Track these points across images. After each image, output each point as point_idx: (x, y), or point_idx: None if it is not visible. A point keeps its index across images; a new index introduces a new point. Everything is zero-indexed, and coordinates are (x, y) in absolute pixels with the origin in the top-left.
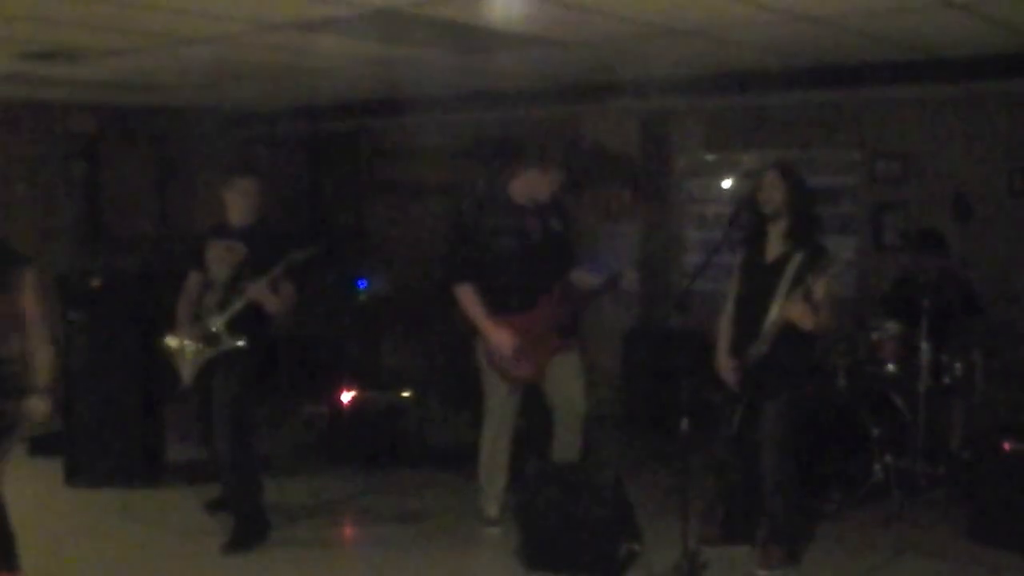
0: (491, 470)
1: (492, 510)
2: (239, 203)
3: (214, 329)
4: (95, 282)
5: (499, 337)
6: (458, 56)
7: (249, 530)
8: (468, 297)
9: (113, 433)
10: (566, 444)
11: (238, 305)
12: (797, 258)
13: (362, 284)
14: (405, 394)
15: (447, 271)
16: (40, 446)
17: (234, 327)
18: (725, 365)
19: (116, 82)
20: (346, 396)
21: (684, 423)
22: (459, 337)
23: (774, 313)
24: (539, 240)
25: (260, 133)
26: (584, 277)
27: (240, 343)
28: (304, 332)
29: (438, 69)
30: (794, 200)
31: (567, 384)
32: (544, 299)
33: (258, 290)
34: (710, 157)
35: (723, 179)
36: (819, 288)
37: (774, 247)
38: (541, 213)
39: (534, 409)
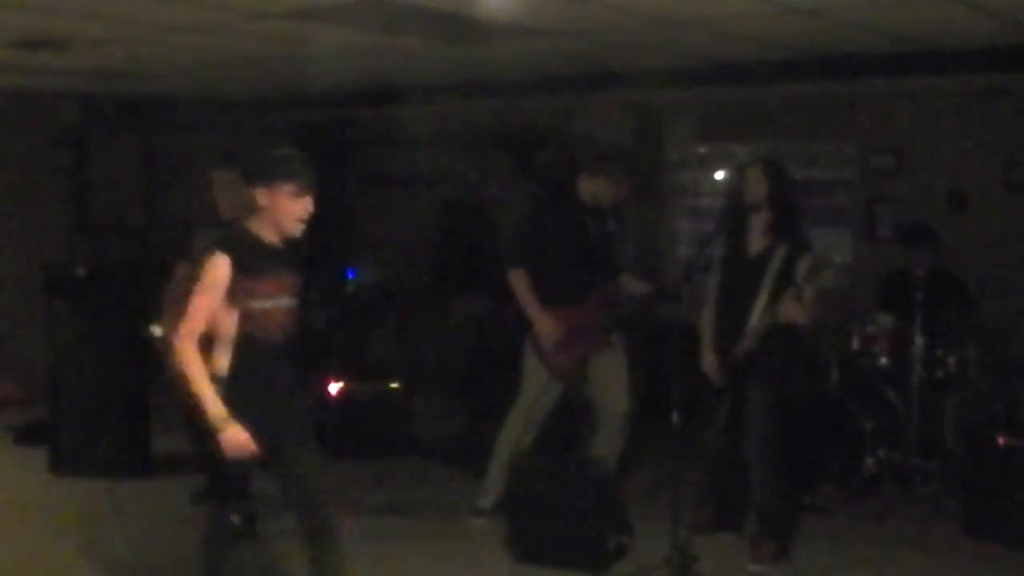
0: (503, 463)
1: (485, 502)
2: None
3: None
4: (81, 272)
5: (545, 324)
6: (449, 47)
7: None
8: (521, 283)
9: (99, 423)
10: (606, 441)
11: None
12: (780, 252)
13: (350, 274)
14: (393, 385)
15: (506, 255)
16: (25, 435)
17: None
18: (711, 362)
19: (103, 71)
20: (333, 387)
21: (675, 416)
22: (452, 328)
23: (760, 309)
24: (595, 240)
25: (248, 123)
26: (632, 282)
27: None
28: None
29: (428, 60)
30: (777, 194)
31: (609, 382)
32: (592, 297)
33: None
34: (703, 149)
35: (716, 171)
36: (810, 290)
37: (757, 241)
38: (601, 216)
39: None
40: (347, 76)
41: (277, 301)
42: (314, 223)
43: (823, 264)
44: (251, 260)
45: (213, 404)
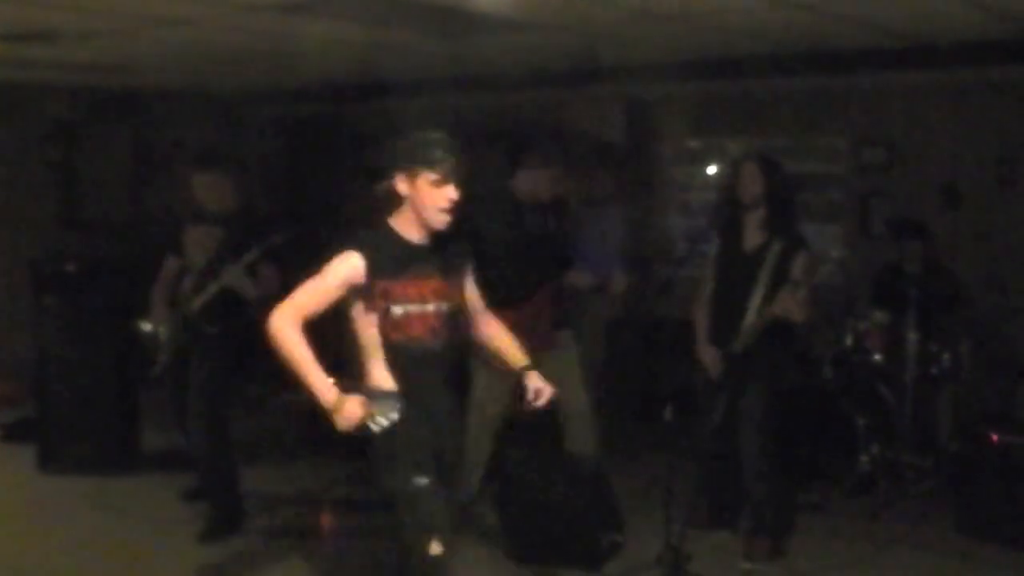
0: (471, 459)
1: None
2: (205, 195)
3: (188, 315)
4: (70, 267)
5: None
6: (441, 41)
7: (225, 519)
8: None
9: (87, 420)
10: (576, 438)
11: (212, 290)
12: (776, 248)
13: None
14: None
15: None
16: (13, 432)
17: (209, 313)
18: (706, 356)
19: (93, 65)
20: None
21: (668, 412)
22: None
23: (755, 305)
24: (536, 238)
25: (239, 117)
26: (578, 276)
27: (212, 330)
28: None
29: (421, 54)
30: (772, 191)
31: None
32: (537, 295)
33: (233, 275)
34: (695, 144)
35: (708, 166)
36: (805, 287)
37: (752, 237)
38: (542, 211)
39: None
40: (338, 70)
41: (422, 306)
42: (305, 217)
43: (820, 260)
44: (389, 261)
45: (317, 379)
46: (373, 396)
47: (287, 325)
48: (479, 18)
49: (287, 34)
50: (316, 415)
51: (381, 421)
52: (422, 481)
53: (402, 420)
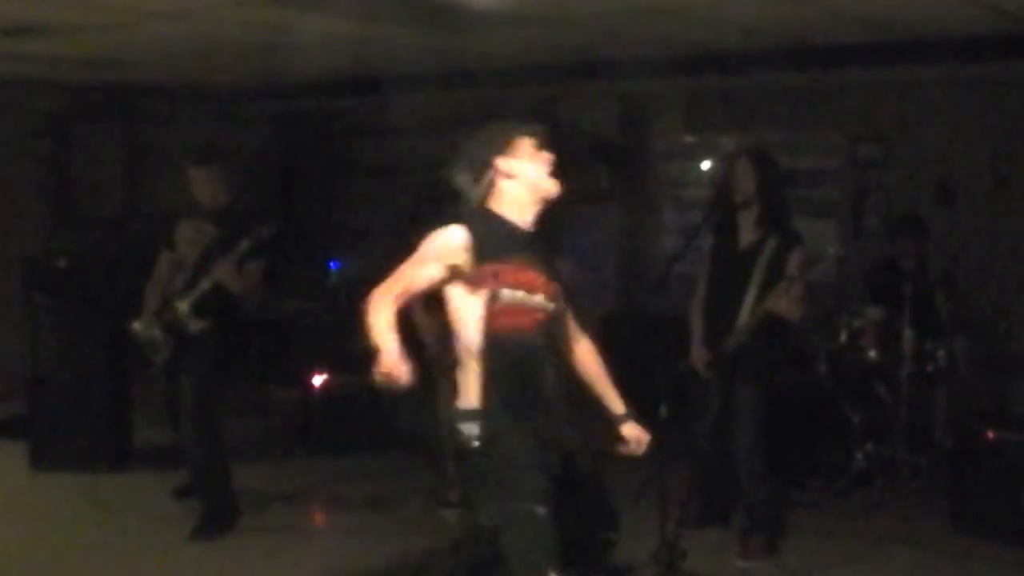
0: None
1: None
2: (200, 191)
3: (180, 311)
4: (62, 263)
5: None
6: (435, 35)
7: (218, 517)
8: None
9: (80, 417)
10: None
11: (204, 286)
12: (771, 244)
13: (334, 266)
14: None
15: None
16: (5, 429)
17: (200, 309)
18: (700, 355)
19: (85, 59)
20: (317, 380)
21: (662, 409)
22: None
23: (750, 302)
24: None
25: (232, 112)
26: None
27: (202, 326)
28: (275, 315)
29: (412, 48)
30: (766, 187)
31: None
32: None
33: (225, 270)
34: (689, 139)
35: (702, 162)
36: (800, 285)
37: (746, 233)
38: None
39: None
40: (330, 64)
41: (531, 295)
42: (297, 213)
43: (817, 257)
44: (498, 239)
45: (384, 340)
46: (461, 416)
47: (380, 301)
48: (472, 13)
49: (280, 29)
50: (308, 412)
51: (471, 442)
52: (540, 510)
53: (504, 437)
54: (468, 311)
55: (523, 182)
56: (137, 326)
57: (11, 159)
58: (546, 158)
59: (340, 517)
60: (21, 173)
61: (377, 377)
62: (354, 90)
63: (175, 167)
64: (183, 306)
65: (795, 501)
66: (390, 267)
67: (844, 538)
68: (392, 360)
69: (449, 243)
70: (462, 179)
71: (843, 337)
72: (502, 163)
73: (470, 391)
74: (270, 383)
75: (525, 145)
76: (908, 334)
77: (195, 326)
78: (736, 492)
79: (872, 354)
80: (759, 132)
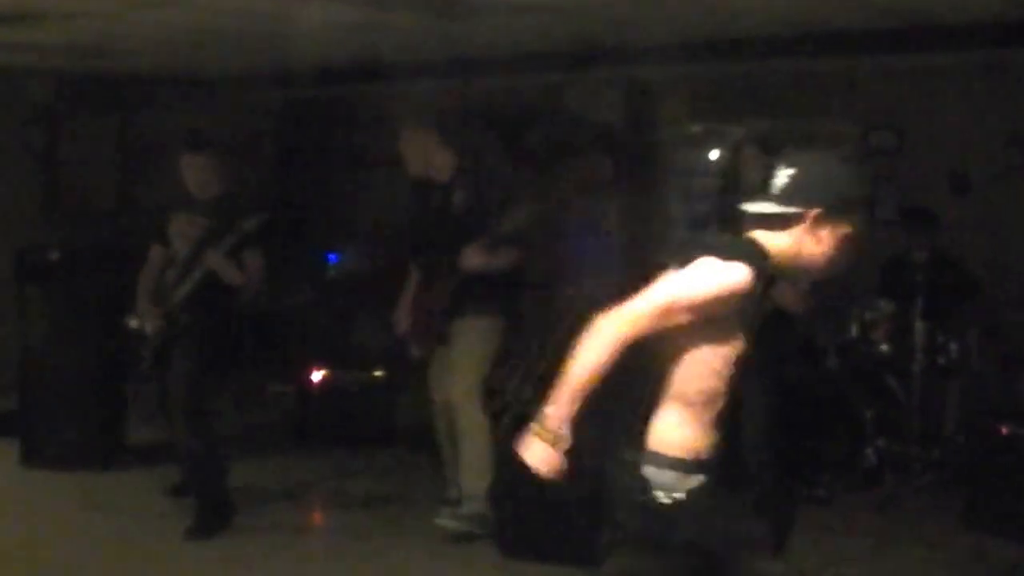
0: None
1: (453, 492)
2: (194, 178)
3: (171, 306)
4: (53, 256)
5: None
6: (437, 23)
7: (213, 515)
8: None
9: (71, 413)
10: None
11: (196, 277)
12: None
13: (333, 258)
14: (377, 373)
15: None
16: None
17: (193, 302)
18: None
19: (76, 47)
20: (315, 375)
21: None
22: None
23: None
24: (430, 216)
25: (228, 101)
26: (472, 255)
27: (194, 320)
28: (271, 307)
29: (416, 36)
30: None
31: (442, 375)
32: (432, 280)
33: (215, 260)
34: (697, 128)
35: (710, 151)
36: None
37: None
38: (444, 189)
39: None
40: (333, 53)
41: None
42: (294, 204)
43: None
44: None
45: (564, 397)
46: (661, 463)
47: (608, 333)
48: (476, 0)
49: (279, 16)
50: (305, 407)
51: (667, 496)
52: (776, 569)
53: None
54: (705, 364)
55: (816, 256)
56: (131, 321)
57: (2, 150)
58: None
59: (338, 513)
60: (12, 164)
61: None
62: (356, 78)
63: (169, 159)
64: (176, 299)
65: (805, 496)
66: (389, 260)
67: (855, 533)
68: (549, 458)
69: (732, 288)
70: (780, 203)
71: (854, 330)
72: (829, 220)
73: (680, 438)
74: (267, 377)
75: (845, 226)
76: (920, 327)
77: (187, 319)
78: (746, 488)
79: (884, 347)
80: (769, 121)
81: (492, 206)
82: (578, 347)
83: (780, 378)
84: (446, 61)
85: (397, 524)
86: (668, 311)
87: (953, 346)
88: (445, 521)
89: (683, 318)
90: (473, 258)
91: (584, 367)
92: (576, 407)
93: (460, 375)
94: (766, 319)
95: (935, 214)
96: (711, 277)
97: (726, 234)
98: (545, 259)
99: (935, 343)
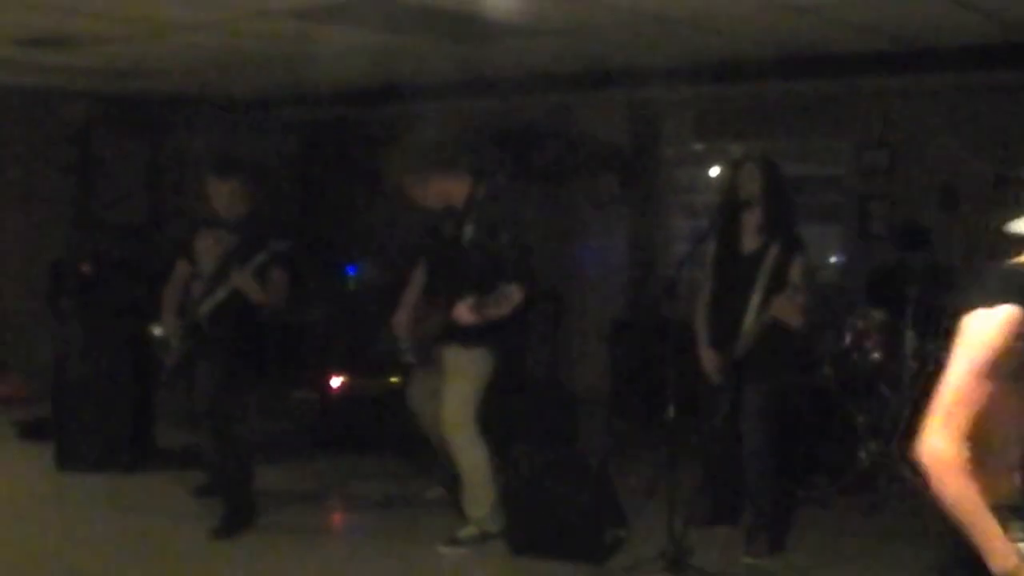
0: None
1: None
2: (221, 201)
3: (196, 320)
4: (85, 269)
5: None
6: (453, 46)
7: (237, 515)
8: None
9: (103, 418)
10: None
11: (221, 294)
12: (774, 251)
13: (352, 270)
14: (395, 380)
15: None
16: (30, 431)
17: (218, 317)
18: (710, 359)
19: (109, 70)
20: (336, 382)
21: (670, 410)
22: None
23: (754, 308)
24: (444, 247)
25: (254, 121)
26: (460, 311)
27: (218, 334)
28: (294, 318)
29: (432, 58)
30: (770, 192)
31: (425, 403)
32: (430, 304)
33: (241, 279)
34: (699, 146)
35: (712, 169)
36: (802, 293)
37: (750, 239)
38: (457, 219)
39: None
40: (351, 75)
41: None
42: (317, 219)
43: (817, 267)
44: None
45: (990, 538)
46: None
47: (944, 463)
48: (490, 24)
49: (301, 40)
50: (326, 414)
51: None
52: None
53: None
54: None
55: None
56: (155, 330)
57: (37, 167)
58: None
59: (358, 517)
60: (47, 181)
61: None
62: (375, 99)
63: (197, 176)
64: (201, 313)
65: (801, 499)
66: (407, 272)
67: (849, 535)
68: None
69: (1004, 332)
70: None
71: (847, 339)
72: None
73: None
74: (289, 385)
75: None
76: (911, 335)
77: (212, 331)
78: (743, 491)
79: (875, 355)
80: (767, 140)
81: (502, 243)
82: (946, 502)
83: (778, 386)
84: (461, 82)
85: (413, 525)
86: (972, 390)
87: (943, 353)
88: (447, 550)
89: (990, 382)
90: (464, 315)
91: (964, 513)
92: (998, 530)
93: (449, 409)
94: (766, 332)
95: (927, 231)
96: (983, 332)
97: (995, 265)
98: (553, 272)
99: (925, 350)
